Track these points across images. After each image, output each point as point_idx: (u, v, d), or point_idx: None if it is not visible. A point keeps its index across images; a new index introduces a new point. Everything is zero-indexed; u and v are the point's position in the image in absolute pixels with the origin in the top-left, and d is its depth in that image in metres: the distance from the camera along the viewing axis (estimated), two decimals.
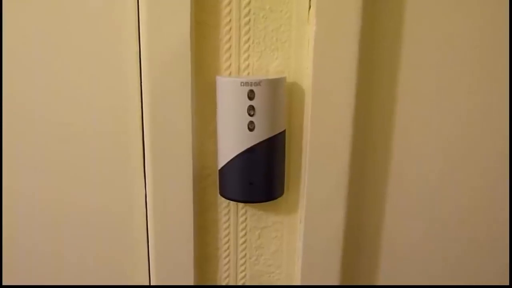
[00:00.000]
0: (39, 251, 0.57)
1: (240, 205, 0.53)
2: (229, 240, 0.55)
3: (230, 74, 0.49)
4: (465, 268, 0.57)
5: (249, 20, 0.48)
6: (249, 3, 0.47)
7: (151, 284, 0.55)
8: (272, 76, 0.48)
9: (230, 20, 0.48)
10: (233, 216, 0.54)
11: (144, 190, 0.52)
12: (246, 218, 0.54)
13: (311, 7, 0.47)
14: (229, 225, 0.54)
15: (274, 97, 0.46)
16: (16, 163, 0.53)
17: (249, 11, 0.48)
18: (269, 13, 0.48)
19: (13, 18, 0.49)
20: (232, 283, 0.56)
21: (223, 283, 0.56)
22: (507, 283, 0.56)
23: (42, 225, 0.56)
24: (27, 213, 0.55)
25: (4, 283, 0.58)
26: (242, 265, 0.56)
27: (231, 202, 0.53)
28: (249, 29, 0.48)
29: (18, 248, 0.57)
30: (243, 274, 0.56)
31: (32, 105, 0.51)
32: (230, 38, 0.48)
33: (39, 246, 0.56)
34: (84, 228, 0.55)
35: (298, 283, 0.55)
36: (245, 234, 0.54)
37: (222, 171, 0.49)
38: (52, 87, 0.51)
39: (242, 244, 0.55)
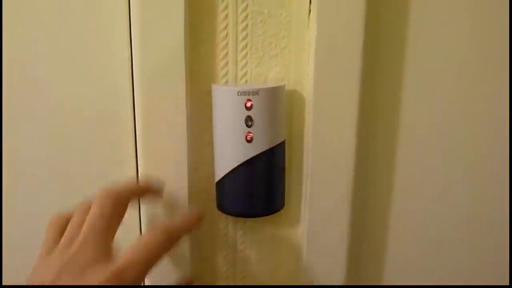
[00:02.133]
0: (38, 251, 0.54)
1: (239, 219, 0.51)
2: (227, 254, 0.52)
3: (227, 82, 0.47)
4: (465, 268, 0.55)
5: (247, 25, 0.46)
6: (246, 7, 0.45)
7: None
8: (271, 84, 0.46)
9: (226, 25, 0.46)
10: (231, 230, 0.51)
11: (138, 204, 0.50)
12: (245, 232, 0.51)
13: (311, 12, 0.45)
14: (227, 239, 0.51)
15: (273, 106, 0.44)
16: (14, 165, 0.51)
17: (247, 16, 0.45)
18: (268, 18, 0.45)
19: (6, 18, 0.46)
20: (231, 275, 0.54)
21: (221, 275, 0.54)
22: (507, 283, 0.55)
23: (41, 226, 0.53)
24: (27, 212, 0.53)
25: (3, 283, 0.56)
26: (241, 279, 0.53)
27: (229, 216, 0.50)
28: (247, 35, 0.46)
29: (18, 248, 0.54)
30: None
31: (18, 111, 0.49)
32: (226, 44, 0.46)
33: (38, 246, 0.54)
34: None
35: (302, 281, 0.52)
36: (244, 248, 0.52)
37: (219, 184, 0.47)
38: (36, 100, 0.48)
39: (241, 259, 0.52)
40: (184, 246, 0.49)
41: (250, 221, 0.51)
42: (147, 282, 0.51)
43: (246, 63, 0.46)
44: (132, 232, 0.51)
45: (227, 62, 0.46)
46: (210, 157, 0.48)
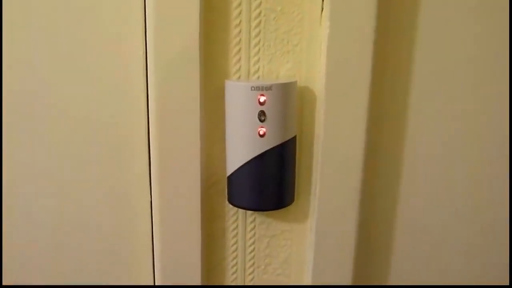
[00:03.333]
0: (42, 251, 0.55)
1: (249, 212, 0.52)
2: (237, 248, 0.53)
3: (239, 77, 0.48)
4: (465, 268, 0.56)
5: (260, 22, 0.46)
6: (259, 4, 0.46)
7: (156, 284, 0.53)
8: (283, 80, 0.46)
9: (240, 22, 0.46)
10: (241, 224, 0.52)
11: (150, 197, 0.51)
12: (254, 226, 0.52)
13: (324, 9, 0.45)
14: (237, 233, 0.52)
15: (285, 102, 0.45)
16: (17, 165, 0.52)
17: (260, 13, 0.46)
18: (280, 15, 0.46)
19: (16, 16, 0.47)
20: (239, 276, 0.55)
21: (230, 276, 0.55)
22: (507, 283, 0.56)
23: (46, 226, 0.54)
24: (29, 213, 0.53)
25: (3, 283, 0.56)
26: (250, 274, 0.54)
27: (240, 209, 0.51)
28: (260, 32, 0.47)
29: (20, 248, 0.55)
30: (251, 283, 0.54)
31: (32, 108, 0.50)
32: (239, 41, 0.47)
33: (42, 247, 0.55)
34: (87, 236, 0.54)
35: (309, 281, 0.53)
36: (254, 242, 0.53)
37: (231, 178, 0.48)
38: (54, 90, 0.49)
39: (250, 252, 0.53)
40: (195, 238, 0.49)
41: (260, 215, 0.52)
42: (157, 281, 0.52)
43: (259, 59, 0.47)
44: (144, 225, 0.52)
45: (240, 58, 0.47)
46: (222, 151, 0.49)
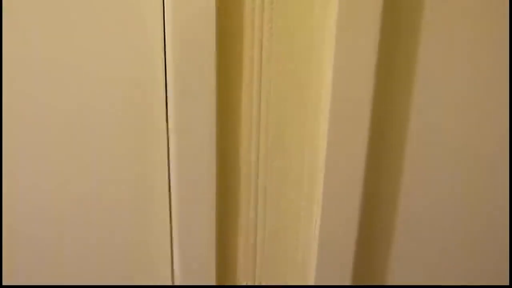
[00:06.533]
0: (49, 250, 0.55)
1: (259, 196, 0.54)
2: (248, 234, 0.55)
3: None
4: (465, 268, 0.57)
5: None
6: None
7: (174, 284, 0.55)
8: None
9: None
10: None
11: (168, 184, 0.52)
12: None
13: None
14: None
15: None
16: (26, 155, 0.51)
17: None
18: None
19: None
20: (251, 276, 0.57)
21: (243, 277, 0.56)
22: (507, 283, 0.57)
23: (55, 224, 0.54)
24: (33, 211, 0.53)
25: (3, 283, 0.56)
26: (260, 257, 0.56)
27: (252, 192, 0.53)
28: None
29: (25, 248, 0.55)
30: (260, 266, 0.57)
31: (44, 91, 0.48)
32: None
33: (48, 246, 0.55)
34: (103, 226, 0.54)
35: (312, 281, 0.55)
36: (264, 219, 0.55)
37: None
38: (69, 74, 0.47)
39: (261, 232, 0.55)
40: (210, 219, 0.51)
41: (269, 201, 0.54)
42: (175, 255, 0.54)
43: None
44: (162, 212, 0.53)
45: None
46: None
